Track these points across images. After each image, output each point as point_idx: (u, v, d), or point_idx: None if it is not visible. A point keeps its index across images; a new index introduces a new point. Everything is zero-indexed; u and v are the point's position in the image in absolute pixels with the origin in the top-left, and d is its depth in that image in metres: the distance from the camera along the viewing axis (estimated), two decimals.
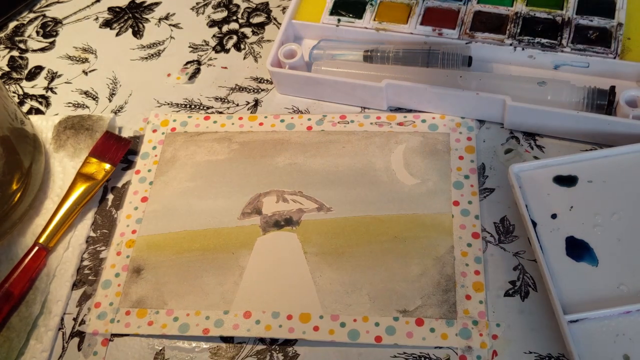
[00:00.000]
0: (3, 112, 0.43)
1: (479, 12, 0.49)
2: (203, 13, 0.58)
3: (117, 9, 0.59)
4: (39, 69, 0.56)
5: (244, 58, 0.54)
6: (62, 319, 0.41)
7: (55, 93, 0.54)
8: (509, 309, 0.38)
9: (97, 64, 0.55)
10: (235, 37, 0.55)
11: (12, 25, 0.60)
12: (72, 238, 0.44)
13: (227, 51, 0.54)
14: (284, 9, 0.57)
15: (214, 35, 0.56)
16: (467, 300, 0.38)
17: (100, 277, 0.43)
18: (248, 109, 0.50)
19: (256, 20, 0.56)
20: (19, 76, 0.56)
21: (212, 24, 0.57)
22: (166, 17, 0.58)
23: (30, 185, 0.45)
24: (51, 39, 0.58)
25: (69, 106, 0.53)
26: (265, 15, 0.57)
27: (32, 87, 0.55)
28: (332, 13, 0.51)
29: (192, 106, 0.51)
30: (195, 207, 0.45)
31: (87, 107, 0.52)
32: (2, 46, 0.58)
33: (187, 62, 0.54)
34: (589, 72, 0.46)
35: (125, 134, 0.50)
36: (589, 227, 0.38)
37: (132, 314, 0.40)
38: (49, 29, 0.59)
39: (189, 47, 0.55)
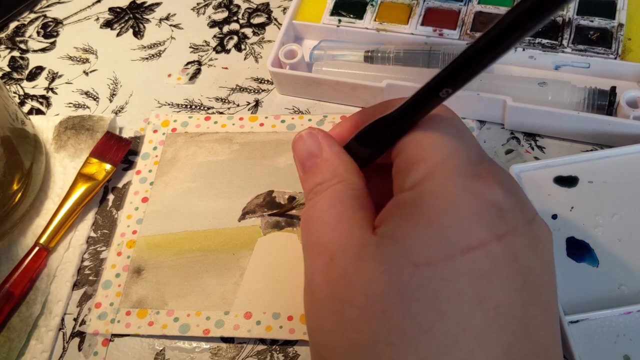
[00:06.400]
0: (4, 112, 0.43)
1: (479, 13, 0.49)
2: (204, 13, 0.58)
3: (118, 10, 0.59)
4: (39, 69, 0.56)
5: (245, 58, 0.54)
6: (62, 319, 0.41)
7: (56, 93, 0.54)
8: None
9: (98, 64, 0.55)
10: (235, 38, 0.55)
11: (12, 25, 0.60)
12: (72, 238, 0.44)
13: (228, 52, 0.54)
14: (284, 10, 0.57)
15: (214, 36, 0.56)
16: None
17: (100, 278, 0.43)
18: (249, 110, 0.50)
19: (257, 20, 0.56)
20: (19, 76, 0.56)
21: (213, 24, 0.57)
22: (167, 18, 0.58)
23: (30, 186, 0.45)
24: (52, 40, 0.58)
25: (70, 106, 0.53)
26: (266, 16, 0.57)
27: (33, 87, 0.55)
28: (332, 13, 0.51)
29: (193, 106, 0.51)
30: (196, 208, 0.45)
31: (87, 107, 0.52)
32: (2, 46, 0.58)
33: (188, 63, 0.54)
34: (589, 73, 0.46)
35: (126, 134, 0.50)
36: (590, 228, 0.38)
37: (133, 315, 0.40)
38: (49, 29, 0.59)
39: (190, 47, 0.55)
